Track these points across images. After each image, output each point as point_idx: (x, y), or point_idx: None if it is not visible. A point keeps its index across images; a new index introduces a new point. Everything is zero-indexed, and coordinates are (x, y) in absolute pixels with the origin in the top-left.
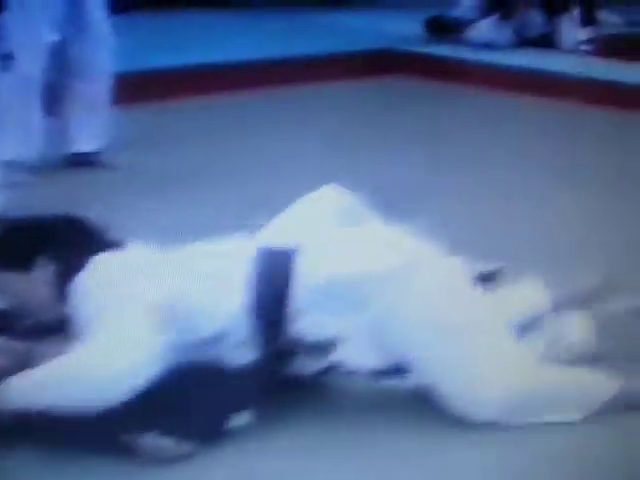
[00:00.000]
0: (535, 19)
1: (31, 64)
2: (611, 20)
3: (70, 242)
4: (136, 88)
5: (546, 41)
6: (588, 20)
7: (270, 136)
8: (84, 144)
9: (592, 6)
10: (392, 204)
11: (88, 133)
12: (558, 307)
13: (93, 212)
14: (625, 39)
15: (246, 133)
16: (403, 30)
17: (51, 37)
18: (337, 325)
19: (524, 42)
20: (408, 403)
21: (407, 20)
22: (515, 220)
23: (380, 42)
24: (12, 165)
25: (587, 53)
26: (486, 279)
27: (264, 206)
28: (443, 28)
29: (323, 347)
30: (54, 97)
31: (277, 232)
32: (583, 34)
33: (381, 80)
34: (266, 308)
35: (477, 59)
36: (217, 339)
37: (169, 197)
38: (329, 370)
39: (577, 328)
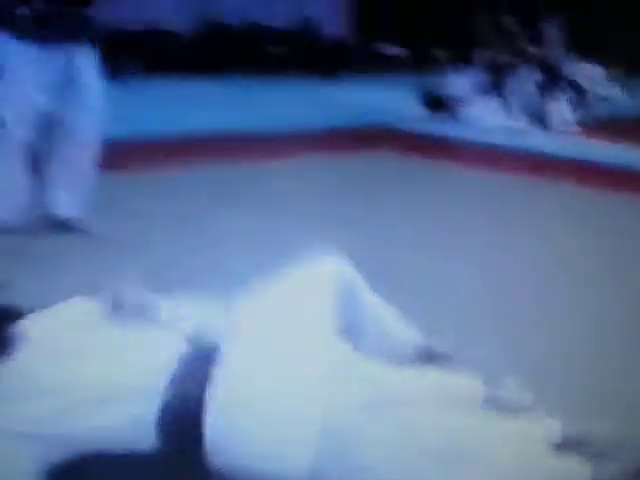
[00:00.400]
0: (530, 99)
1: (21, 128)
2: (613, 95)
3: None
4: (124, 155)
5: (540, 121)
6: (581, 100)
7: (256, 208)
8: (65, 208)
9: (582, 88)
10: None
11: (70, 198)
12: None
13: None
14: (619, 118)
15: (231, 204)
16: (400, 106)
17: (42, 102)
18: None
19: (518, 121)
20: None
21: (405, 96)
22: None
23: (375, 117)
24: None
25: (576, 133)
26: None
27: (236, 281)
28: (438, 104)
29: None
30: (40, 160)
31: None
32: (575, 114)
33: (371, 154)
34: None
35: (468, 137)
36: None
37: (141, 265)
38: None
39: None
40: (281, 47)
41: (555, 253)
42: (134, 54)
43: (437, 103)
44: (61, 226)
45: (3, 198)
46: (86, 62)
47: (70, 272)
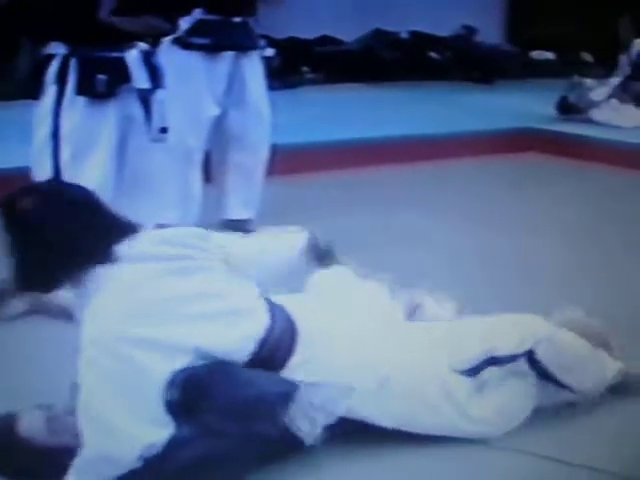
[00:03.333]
0: None
1: (193, 136)
2: None
3: None
4: (289, 160)
5: None
6: None
7: (405, 211)
8: (237, 212)
9: None
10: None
11: (242, 202)
12: None
13: None
14: None
15: (382, 208)
16: (542, 110)
17: (212, 111)
18: None
19: None
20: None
21: (550, 99)
22: None
23: (520, 120)
24: None
25: None
26: None
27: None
28: (570, 107)
29: None
30: (211, 166)
31: None
32: None
33: (517, 157)
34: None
35: (604, 137)
36: None
37: None
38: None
39: None
40: (442, 54)
41: None
42: (303, 62)
43: (569, 106)
44: (234, 228)
45: (179, 204)
46: (252, 70)
47: None
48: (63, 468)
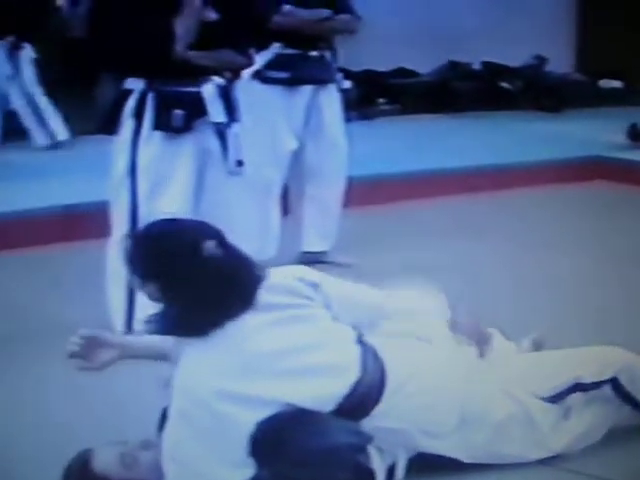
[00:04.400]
0: None
1: (271, 169)
2: None
3: None
4: (366, 192)
5: None
6: None
7: (478, 240)
8: (315, 244)
9: None
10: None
11: (318, 234)
12: None
13: None
14: None
15: (457, 237)
16: (611, 138)
17: (290, 144)
18: None
19: None
20: None
21: (618, 128)
22: None
23: (587, 149)
24: None
25: None
26: None
27: None
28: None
29: None
30: (289, 199)
31: None
32: None
33: (585, 185)
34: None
35: None
36: None
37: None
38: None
39: None
40: (513, 84)
41: None
42: (379, 94)
43: (639, 134)
44: (311, 260)
45: (258, 236)
46: (330, 103)
47: None
48: None
